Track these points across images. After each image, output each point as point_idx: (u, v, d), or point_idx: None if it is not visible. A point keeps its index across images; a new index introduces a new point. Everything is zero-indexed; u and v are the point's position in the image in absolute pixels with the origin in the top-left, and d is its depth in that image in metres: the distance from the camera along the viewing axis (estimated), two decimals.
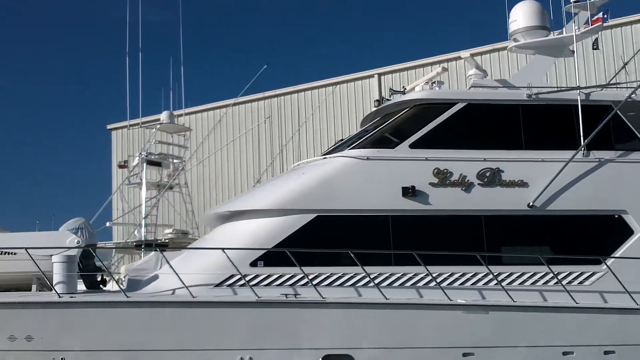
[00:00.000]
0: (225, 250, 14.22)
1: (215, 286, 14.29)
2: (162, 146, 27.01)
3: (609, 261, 15.03)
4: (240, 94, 27.23)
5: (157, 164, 26.68)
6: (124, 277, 15.54)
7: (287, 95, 33.43)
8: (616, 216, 15.39)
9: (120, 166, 32.01)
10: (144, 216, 24.72)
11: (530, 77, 16.82)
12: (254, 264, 14.49)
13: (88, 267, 15.71)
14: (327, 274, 14.52)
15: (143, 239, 24.36)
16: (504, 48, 25.08)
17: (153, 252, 15.99)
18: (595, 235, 15.43)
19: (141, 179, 25.95)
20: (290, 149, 32.50)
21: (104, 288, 15.87)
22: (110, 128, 37.88)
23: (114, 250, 26.07)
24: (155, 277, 14.78)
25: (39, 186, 57.86)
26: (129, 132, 34.83)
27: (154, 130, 27.20)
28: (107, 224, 26.86)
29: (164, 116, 26.91)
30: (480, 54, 29.24)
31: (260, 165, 32.87)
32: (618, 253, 15.19)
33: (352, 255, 14.22)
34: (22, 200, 54.56)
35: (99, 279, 15.95)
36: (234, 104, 32.42)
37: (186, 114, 30.66)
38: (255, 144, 33.62)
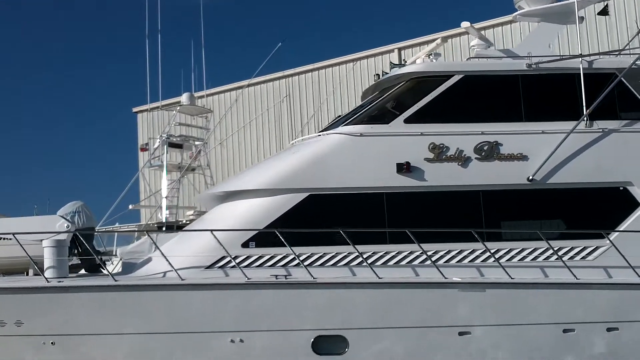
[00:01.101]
0: (214, 231, 14.01)
1: (206, 268, 14.11)
2: (184, 128, 26.97)
3: (613, 235, 14.47)
4: (255, 73, 26.90)
5: (178, 146, 26.63)
6: (119, 260, 15.47)
7: (308, 74, 33.12)
8: (621, 188, 14.81)
9: (142, 149, 32.12)
10: (164, 197, 24.71)
11: (534, 47, 16.21)
12: (245, 245, 14.27)
13: (86, 251, 15.66)
14: (320, 254, 14.24)
15: (164, 221, 24.38)
16: (510, 22, 24.39)
17: (145, 236, 15.84)
18: (599, 208, 14.89)
19: (162, 162, 25.96)
20: (312, 127, 32.18)
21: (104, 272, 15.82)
22: (136, 111, 38.03)
23: (135, 232, 26.11)
24: (149, 260, 14.68)
25: (71, 169, 58.51)
26: (153, 115, 34.89)
27: (175, 112, 27.19)
28: (130, 207, 26.96)
29: (184, 98, 26.75)
30: (489, 27, 28.47)
31: (282, 145, 32.66)
32: (623, 226, 14.63)
33: (343, 235, 13.89)
34: (51, 185, 55.23)
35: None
36: (248, 85, 32.26)
37: (207, 95, 30.59)
38: (277, 123, 33.42)
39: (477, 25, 24.42)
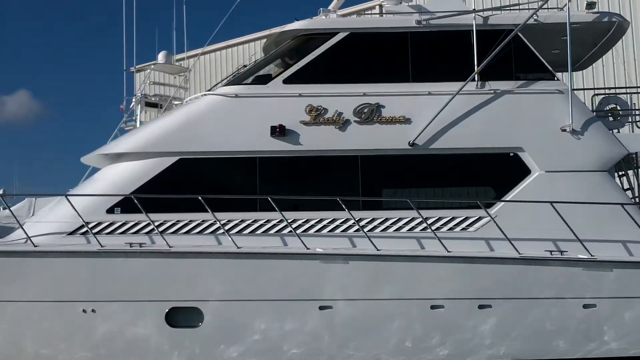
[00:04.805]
0: (70, 197, 13.51)
1: (68, 234, 13.62)
2: (160, 88, 26.57)
3: (499, 205, 13.47)
4: (209, 39, 26.19)
5: (154, 105, 26.26)
6: None
7: None
8: (511, 154, 13.75)
9: (122, 109, 31.80)
10: None
11: (448, 2, 15.03)
12: (110, 210, 13.72)
13: None
14: (186, 221, 13.60)
15: None
16: None
17: (27, 199, 15.42)
18: (487, 175, 13.90)
19: (136, 121, 25.63)
20: None
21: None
22: (133, 70, 37.76)
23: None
24: (22, 225, 14.25)
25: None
26: (135, 76, 34.54)
27: (149, 70, 26.76)
28: None
29: (160, 57, 26.32)
30: None
31: None
32: (512, 194, 13.61)
33: (202, 202, 13.22)
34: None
35: None
36: (203, 53, 31.43)
37: (188, 57, 30.05)
38: None
39: None
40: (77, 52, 61.32)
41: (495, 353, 12.94)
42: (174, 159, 13.88)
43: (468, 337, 12.91)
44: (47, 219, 13.83)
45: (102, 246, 13.16)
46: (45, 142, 56.96)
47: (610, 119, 14.81)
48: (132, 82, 38.69)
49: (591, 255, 12.96)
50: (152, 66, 27.23)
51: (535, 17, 14.02)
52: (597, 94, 15.51)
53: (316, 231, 13.47)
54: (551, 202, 13.02)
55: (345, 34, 14.26)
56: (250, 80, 14.56)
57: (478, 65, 13.89)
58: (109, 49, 56.78)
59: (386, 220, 13.50)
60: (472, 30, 14.00)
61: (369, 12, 29.00)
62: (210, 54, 34.56)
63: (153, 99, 26.80)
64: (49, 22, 64.04)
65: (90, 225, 13.47)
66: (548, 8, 14.48)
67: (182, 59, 28.37)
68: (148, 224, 13.46)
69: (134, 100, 26.81)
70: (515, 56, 14.02)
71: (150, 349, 13.03)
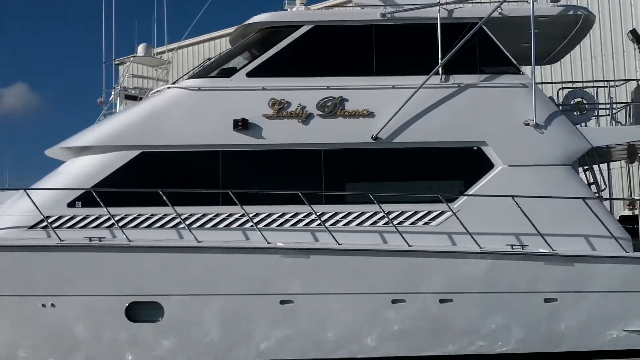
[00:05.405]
0: (28, 190, 13.41)
1: (29, 228, 13.50)
2: (140, 80, 26.44)
3: (461, 199, 13.44)
4: (187, 31, 26.02)
5: (134, 98, 26.12)
6: None
7: None
8: (475, 148, 13.69)
9: (100, 102, 31.62)
10: None
11: None
12: (71, 204, 13.60)
13: None
14: (148, 215, 13.51)
15: None
16: None
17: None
18: (451, 169, 13.84)
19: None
20: None
21: None
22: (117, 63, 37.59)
23: None
24: None
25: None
26: (119, 69, 34.34)
27: (128, 63, 26.61)
28: None
29: (140, 49, 26.17)
30: None
31: None
32: (475, 188, 13.57)
33: (162, 196, 13.13)
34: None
35: None
36: (179, 47, 31.30)
37: (169, 50, 29.88)
38: None
39: None
40: (75, 44, 61.26)
41: (458, 347, 12.90)
42: (136, 152, 13.77)
43: (429, 331, 12.85)
44: (8, 213, 13.70)
45: (60, 240, 13.05)
46: (43, 136, 56.72)
47: (577, 113, 14.76)
48: (116, 74, 38.69)
49: (552, 250, 12.92)
50: (132, 59, 27.14)
51: (500, 11, 13.93)
52: (564, 88, 15.45)
53: (278, 225, 13.39)
54: (512, 196, 12.98)
55: (310, 26, 14.16)
56: (215, 73, 14.46)
57: (442, 59, 13.81)
58: (110, 41, 56.34)
59: (349, 214, 13.44)
60: (437, 24, 13.91)
61: (346, 5, 28.90)
62: (193, 47, 34.44)
63: (133, 91, 26.71)
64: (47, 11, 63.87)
65: (51, 219, 13.36)
66: (514, 0, 14.41)
67: (163, 51, 28.27)
68: (109, 218, 13.36)
69: (113, 93, 26.74)
70: (480, 50, 13.95)
71: (109, 344, 12.94)
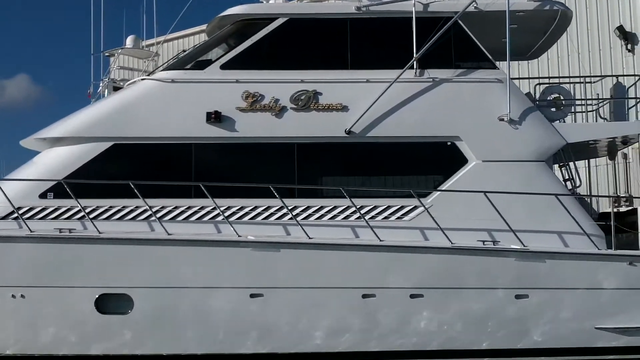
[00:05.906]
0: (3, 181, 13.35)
1: (1, 219, 13.45)
2: (129, 72, 26.36)
3: (434, 195, 13.37)
4: (174, 23, 25.93)
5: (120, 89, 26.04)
6: None
7: None
8: (449, 143, 13.63)
9: (90, 94, 31.50)
10: None
11: None
12: (43, 195, 13.54)
13: None
14: (119, 207, 13.45)
15: None
16: None
17: None
18: (424, 164, 13.78)
19: None
20: None
21: None
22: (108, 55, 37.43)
23: None
24: None
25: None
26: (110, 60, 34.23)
27: (116, 55, 26.52)
28: None
29: (128, 41, 26.08)
30: None
31: None
32: (449, 184, 13.51)
33: (133, 187, 13.07)
34: None
35: None
36: (165, 40, 31.20)
37: (158, 42, 29.80)
38: None
39: None
40: (77, 35, 61.17)
41: (427, 342, 12.86)
42: (109, 144, 13.72)
43: (399, 326, 12.80)
44: None
45: (31, 231, 12.99)
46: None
47: (553, 109, 14.68)
48: (107, 65, 38.57)
49: (524, 246, 12.86)
50: (120, 50, 27.03)
51: (476, 5, 13.84)
52: (541, 84, 15.37)
53: (250, 218, 13.33)
54: (484, 192, 12.92)
55: (284, 19, 14.09)
56: (189, 65, 14.39)
57: (417, 53, 13.73)
58: (106, 32, 56.26)
59: (321, 208, 13.38)
60: (412, 18, 13.83)
61: None
62: (181, 39, 34.33)
63: (121, 83, 26.60)
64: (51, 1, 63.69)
65: (22, 211, 13.30)
66: None
67: (152, 44, 28.17)
68: (80, 210, 13.30)
69: (101, 84, 26.66)
70: (455, 44, 13.87)
71: (79, 336, 12.89)
